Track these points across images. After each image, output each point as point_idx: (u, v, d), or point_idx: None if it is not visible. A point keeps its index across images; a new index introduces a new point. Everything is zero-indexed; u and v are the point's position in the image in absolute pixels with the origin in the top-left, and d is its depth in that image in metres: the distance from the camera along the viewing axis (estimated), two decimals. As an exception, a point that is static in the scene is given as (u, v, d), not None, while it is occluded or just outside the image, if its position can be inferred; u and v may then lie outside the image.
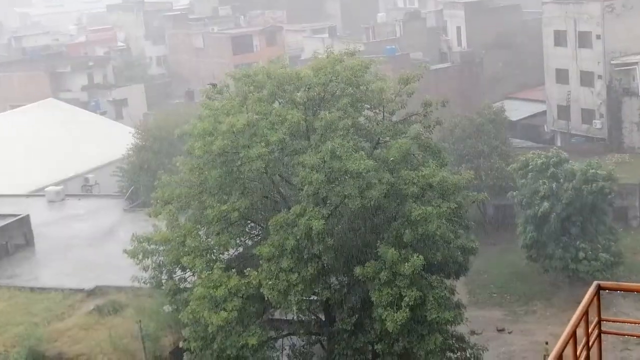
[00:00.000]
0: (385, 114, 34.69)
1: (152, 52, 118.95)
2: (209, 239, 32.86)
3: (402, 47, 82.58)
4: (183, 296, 32.73)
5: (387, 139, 34.24)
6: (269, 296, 31.22)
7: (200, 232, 33.22)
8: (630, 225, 60.20)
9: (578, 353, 9.43)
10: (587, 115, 71.78)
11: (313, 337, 35.42)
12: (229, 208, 31.87)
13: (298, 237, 30.85)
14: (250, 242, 34.83)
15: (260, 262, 31.82)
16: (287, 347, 35.29)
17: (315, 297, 33.11)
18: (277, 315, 35.75)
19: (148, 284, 34.08)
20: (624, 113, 68.79)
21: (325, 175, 30.82)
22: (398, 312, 30.41)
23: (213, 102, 35.15)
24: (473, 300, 52.09)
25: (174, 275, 33.86)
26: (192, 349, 31.90)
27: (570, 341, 9.15)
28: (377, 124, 34.34)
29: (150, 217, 35.47)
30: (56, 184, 60.00)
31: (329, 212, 32.06)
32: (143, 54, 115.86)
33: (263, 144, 31.65)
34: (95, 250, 45.71)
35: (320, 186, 30.86)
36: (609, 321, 11.19)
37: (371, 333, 32.57)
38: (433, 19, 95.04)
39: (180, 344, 32.73)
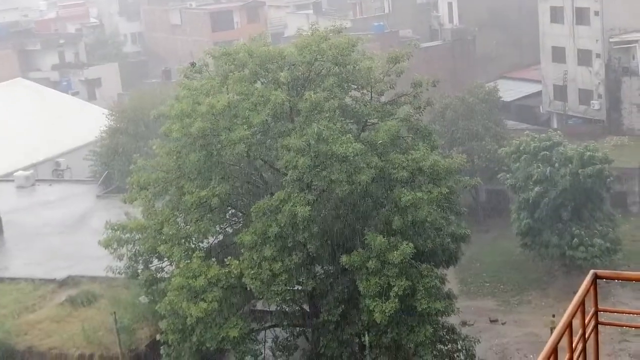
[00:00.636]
0: (373, 94, 34.74)
1: (127, 29, 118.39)
2: (188, 227, 32.86)
3: (390, 24, 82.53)
4: (160, 287, 32.76)
5: (376, 120, 34.28)
6: (251, 286, 31.28)
7: (178, 219, 33.22)
8: (630, 211, 60.50)
9: (574, 345, 9.51)
10: (585, 96, 72.01)
11: (297, 328, 35.54)
12: (208, 194, 31.85)
13: (282, 224, 30.88)
14: (231, 230, 34.87)
15: (242, 250, 31.85)
16: (270, 340, 35.40)
17: (300, 287, 33.18)
18: (259, 306, 35.86)
19: (123, 274, 34.06)
20: (623, 93, 69.06)
21: (310, 159, 30.84)
22: (386, 303, 30.53)
23: (191, 81, 35.06)
24: (465, 289, 52.32)
25: (151, 265, 33.87)
26: (169, 341, 31.97)
27: (566, 332, 9.23)
28: (365, 105, 34.38)
29: (125, 203, 35.44)
30: (25, 169, 59.77)
31: (315, 198, 32.08)
32: (117, 31, 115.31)
33: (245, 126, 31.62)
34: (67, 238, 45.63)
35: (306, 171, 30.88)
36: (606, 311, 11.28)
37: (358, 324, 32.70)
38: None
39: (157, 337, 32.78)
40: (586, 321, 10.05)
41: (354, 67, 33.92)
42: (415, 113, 34.97)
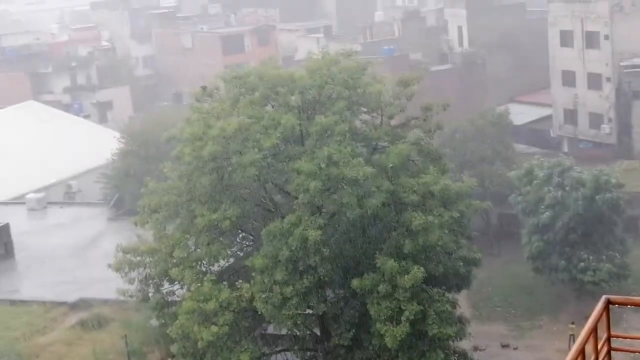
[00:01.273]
0: (383, 118, 34.79)
1: (138, 52, 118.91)
2: (199, 250, 32.87)
3: (400, 48, 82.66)
4: (171, 310, 32.75)
5: (386, 144, 34.31)
6: (262, 310, 31.24)
7: (189, 243, 33.23)
8: (641, 235, 60.22)
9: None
10: (595, 120, 71.92)
11: (308, 353, 35.43)
12: (219, 217, 31.89)
13: (293, 248, 30.87)
14: (242, 253, 34.87)
15: (253, 274, 31.84)
16: (280, 364, 35.30)
17: (311, 311, 33.12)
18: (270, 330, 35.79)
19: (134, 297, 34.06)
20: (634, 117, 68.92)
21: (321, 183, 30.85)
22: (398, 327, 30.43)
23: (202, 105, 35.20)
24: (476, 314, 52.12)
25: (162, 288, 33.87)
26: (180, 365, 31.90)
27: (579, 358, 9.21)
28: (375, 129, 34.43)
29: (136, 226, 35.48)
30: (37, 191, 59.95)
31: (326, 222, 32.07)
32: (128, 54, 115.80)
33: (256, 149, 31.70)
34: (79, 261, 45.69)
35: (316, 194, 30.89)
36: (619, 337, 11.25)
37: (369, 349, 32.58)
38: (433, 18, 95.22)
39: (168, 360, 32.73)
40: (599, 347, 10.02)
41: (364, 90, 34.00)
42: (425, 136, 34.99)
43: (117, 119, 79.93)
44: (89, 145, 70.71)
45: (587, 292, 49.29)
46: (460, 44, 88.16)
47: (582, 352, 9.28)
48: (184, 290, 32.78)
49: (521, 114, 78.54)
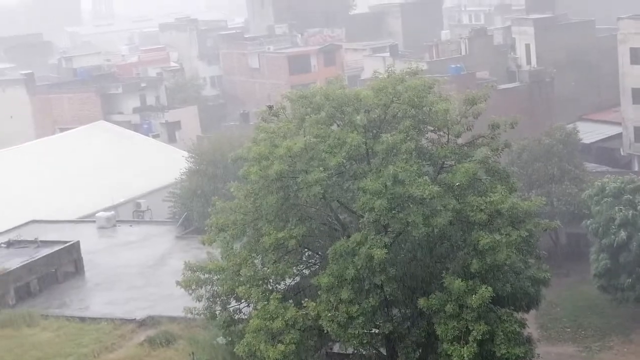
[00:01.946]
0: (450, 136, 34.50)
1: (206, 72, 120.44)
2: (265, 268, 32.94)
3: (467, 66, 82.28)
4: (238, 328, 32.83)
5: (452, 162, 34.02)
6: (328, 329, 31.14)
7: (255, 261, 33.31)
8: None
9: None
10: (667, 138, 70.67)
11: (374, 372, 35.21)
12: (285, 235, 31.94)
13: (358, 267, 30.75)
14: (308, 272, 34.82)
15: (319, 292, 31.77)
16: (346, 383, 35.14)
17: (377, 330, 32.91)
18: (336, 349, 35.65)
19: (201, 315, 34.24)
20: None
21: (387, 202, 30.71)
22: (465, 347, 30.09)
23: (269, 124, 35.33)
24: (545, 335, 51.38)
25: (229, 306, 33.97)
26: (247, 383, 31.93)
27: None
28: (442, 147, 34.16)
29: (203, 244, 35.69)
30: (107, 210, 60.87)
31: (391, 241, 31.90)
32: (197, 75, 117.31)
33: (321, 168, 31.68)
34: (147, 278, 46.20)
35: (382, 213, 30.75)
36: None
37: (436, 369, 32.26)
38: (500, 36, 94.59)
39: (235, 378, 32.79)
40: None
41: (430, 109, 33.77)
42: (492, 155, 34.60)
43: (185, 139, 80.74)
44: (158, 164, 71.65)
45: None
46: (528, 61, 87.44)
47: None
48: (251, 308, 32.85)
49: (590, 133, 77.52)
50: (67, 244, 48.01)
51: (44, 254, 46.72)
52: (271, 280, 32.83)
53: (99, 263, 49.27)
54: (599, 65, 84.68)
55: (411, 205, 30.97)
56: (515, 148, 57.63)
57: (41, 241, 49.24)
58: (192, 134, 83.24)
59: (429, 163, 34.17)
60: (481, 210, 31.64)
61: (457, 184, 32.13)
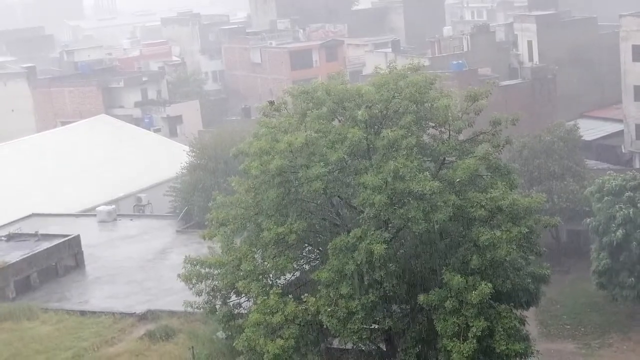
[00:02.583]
0: (451, 132, 34.50)
1: (208, 67, 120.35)
2: (265, 263, 32.97)
3: (469, 62, 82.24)
4: (238, 322, 32.86)
5: (453, 158, 34.02)
6: (328, 324, 31.18)
7: (256, 256, 33.34)
8: None
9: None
10: (669, 136, 70.61)
11: (373, 367, 35.25)
12: (286, 230, 31.97)
13: (358, 262, 30.78)
14: (307, 267, 34.85)
15: (319, 287, 31.81)
16: (345, 378, 35.17)
17: (376, 326, 32.93)
18: (335, 344, 35.65)
19: (201, 309, 34.29)
20: None
21: (387, 197, 30.73)
22: (464, 343, 30.10)
23: (270, 119, 35.35)
24: (544, 331, 51.42)
25: (229, 301, 34.02)
26: (246, 378, 31.97)
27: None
28: (443, 143, 34.17)
29: (204, 239, 35.72)
30: (108, 204, 60.90)
31: (391, 236, 31.93)
32: (198, 69, 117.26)
33: (322, 163, 31.71)
34: (147, 272, 46.25)
35: (382, 208, 30.77)
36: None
37: (435, 365, 32.30)
38: (503, 32, 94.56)
39: (234, 373, 32.83)
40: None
41: (431, 105, 33.77)
42: (494, 151, 34.60)
43: (186, 133, 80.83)
44: (159, 158, 71.67)
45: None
46: (530, 58, 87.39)
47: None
48: (251, 303, 32.90)
49: (592, 130, 77.50)
50: (68, 238, 48.05)
51: (44, 248, 46.77)
52: (271, 275, 32.87)
53: (100, 257, 49.33)
54: (601, 63, 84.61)
55: (411, 201, 30.98)
56: (516, 145, 57.62)
57: (41, 234, 49.29)
58: (193, 128, 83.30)
59: (429, 159, 34.19)
60: (482, 206, 31.65)
61: (458, 180, 32.16)
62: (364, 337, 32.00)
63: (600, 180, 52.50)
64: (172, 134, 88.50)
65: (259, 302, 31.61)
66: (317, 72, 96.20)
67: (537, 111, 74.44)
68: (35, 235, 49.29)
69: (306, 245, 34.72)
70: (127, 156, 73.03)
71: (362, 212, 31.71)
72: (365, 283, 31.54)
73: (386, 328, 32.79)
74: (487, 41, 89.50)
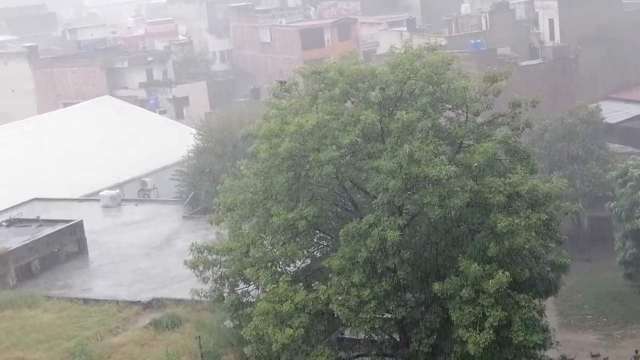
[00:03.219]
0: (468, 115, 34.46)
1: (216, 46, 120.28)
2: (274, 250, 33.05)
3: (488, 42, 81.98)
4: (246, 311, 32.96)
5: (471, 142, 33.99)
6: (339, 313, 31.26)
7: (265, 242, 33.43)
8: None
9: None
10: (696, 118, 70.24)
11: (386, 358, 35.35)
12: (296, 216, 32.02)
13: (371, 249, 30.83)
14: (318, 254, 34.94)
15: (330, 275, 31.88)
16: (357, 369, 35.29)
17: (389, 315, 33.03)
18: (347, 334, 35.79)
19: (208, 298, 34.41)
20: None
21: (401, 182, 30.73)
22: (481, 334, 30.17)
23: (280, 101, 35.36)
24: (564, 322, 51.44)
25: (237, 289, 34.15)
26: (254, 368, 32.10)
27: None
28: (460, 126, 34.12)
29: (211, 224, 35.82)
30: (112, 188, 61.01)
31: (406, 222, 31.94)
32: (206, 49, 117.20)
33: (334, 146, 31.72)
34: (153, 259, 46.36)
35: (396, 194, 30.78)
36: None
37: (451, 356, 32.36)
38: (523, 10, 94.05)
39: (242, 363, 32.95)
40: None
41: (448, 86, 33.70)
42: (513, 134, 34.56)
43: (193, 115, 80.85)
44: (165, 141, 71.73)
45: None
46: (552, 37, 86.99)
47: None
48: (259, 291, 33.00)
49: (615, 112, 77.15)
50: (70, 223, 48.14)
51: (46, 233, 46.88)
52: (280, 262, 32.95)
53: (103, 243, 49.45)
54: (625, 42, 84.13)
55: (427, 186, 31.00)
56: (536, 128, 57.48)
57: (43, 220, 49.39)
58: (200, 110, 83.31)
59: (446, 142, 34.14)
60: (500, 192, 31.64)
61: (475, 164, 32.13)
62: (376, 326, 32.12)
63: (624, 165, 52.31)
64: (179, 116, 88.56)
65: (267, 290, 31.72)
66: (329, 52, 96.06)
67: (559, 92, 74.17)
68: (36, 220, 49.42)
69: (317, 231, 34.78)
70: (131, 139, 73.11)
71: (375, 197, 31.72)
72: (378, 271, 31.60)
73: (399, 318, 32.86)
74: (506, 19, 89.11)
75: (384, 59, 37.27)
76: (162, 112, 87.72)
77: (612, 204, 52.01)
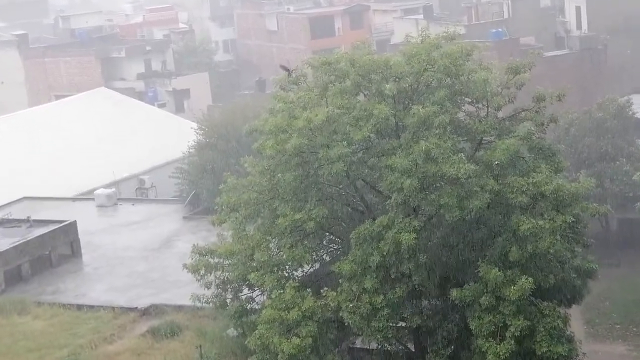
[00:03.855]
0: (489, 109, 34.47)
1: (219, 35, 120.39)
2: (281, 253, 33.10)
3: (510, 31, 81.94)
4: (250, 319, 33.04)
5: (492, 138, 34.00)
6: (350, 321, 31.29)
7: (270, 245, 33.48)
8: None
9: None
10: None
11: (400, 370, 35.37)
12: (304, 217, 32.05)
13: (384, 253, 30.85)
14: (328, 258, 34.97)
15: (340, 281, 31.91)
16: (370, 382, 35.31)
17: (404, 324, 33.07)
18: (358, 343, 35.79)
19: (210, 304, 34.47)
20: None
21: (417, 181, 30.74)
22: (501, 344, 30.19)
23: (287, 93, 35.39)
24: (591, 332, 51.36)
25: (240, 294, 34.21)
26: (259, 380, 32.14)
27: None
28: (480, 121, 34.13)
29: (213, 225, 35.87)
30: (107, 186, 61.16)
31: (422, 225, 31.92)
32: (208, 38, 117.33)
33: (345, 143, 31.74)
34: (151, 263, 46.47)
35: (412, 194, 30.79)
36: None
37: (469, 367, 32.37)
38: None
39: (246, 374, 33.02)
40: None
41: (468, 78, 33.72)
42: (537, 130, 34.53)
43: (194, 109, 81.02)
44: (164, 136, 71.82)
45: None
46: (579, 26, 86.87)
47: None
48: (264, 297, 33.03)
49: (647, 106, 76.92)
50: (63, 224, 48.29)
51: (37, 235, 47.01)
52: (287, 267, 33.00)
53: (98, 245, 49.58)
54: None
55: (444, 186, 31.03)
56: (562, 123, 57.31)
57: (34, 220, 49.54)
58: (202, 103, 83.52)
59: (465, 139, 34.17)
60: (523, 192, 31.64)
61: (497, 162, 32.13)
62: (389, 336, 32.14)
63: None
64: (179, 109, 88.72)
65: (273, 296, 31.74)
66: (340, 41, 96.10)
67: (586, 85, 74.10)
68: (27, 220, 49.57)
69: (326, 233, 34.82)
70: (128, 134, 73.21)
71: (389, 197, 31.72)
72: (392, 276, 31.62)
73: (414, 326, 32.89)
74: (530, 7, 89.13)
75: (399, 48, 37.29)
76: (161, 105, 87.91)
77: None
